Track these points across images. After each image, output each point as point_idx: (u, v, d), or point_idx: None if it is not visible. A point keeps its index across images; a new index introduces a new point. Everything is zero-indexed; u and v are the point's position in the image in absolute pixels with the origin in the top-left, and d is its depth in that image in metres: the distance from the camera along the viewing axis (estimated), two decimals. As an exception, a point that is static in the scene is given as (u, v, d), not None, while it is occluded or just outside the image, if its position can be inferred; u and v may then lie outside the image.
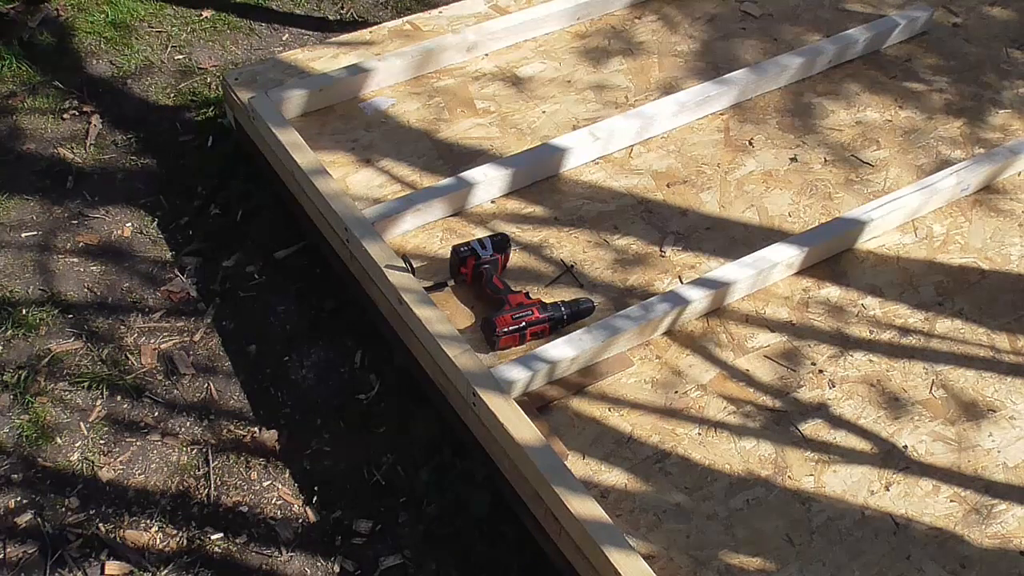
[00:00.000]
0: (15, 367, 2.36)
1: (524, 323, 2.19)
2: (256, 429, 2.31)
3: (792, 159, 2.72)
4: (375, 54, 2.86)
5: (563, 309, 2.24)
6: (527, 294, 2.28)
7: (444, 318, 2.17)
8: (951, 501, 2.05)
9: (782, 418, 2.16)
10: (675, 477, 2.04)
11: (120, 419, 2.31)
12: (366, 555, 2.13)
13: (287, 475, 2.25)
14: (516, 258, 2.42)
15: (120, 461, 2.24)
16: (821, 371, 2.25)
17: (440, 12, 3.05)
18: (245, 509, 2.18)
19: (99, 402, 2.33)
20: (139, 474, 2.22)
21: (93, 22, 3.24)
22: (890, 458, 2.11)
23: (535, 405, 2.11)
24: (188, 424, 2.32)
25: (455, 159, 2.64)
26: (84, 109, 2.97)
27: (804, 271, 2.45)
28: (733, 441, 2.11)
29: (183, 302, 2.54)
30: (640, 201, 2.58)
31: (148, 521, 2.15)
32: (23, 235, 2.65)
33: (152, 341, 2.45)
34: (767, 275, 2.37)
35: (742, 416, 2.16)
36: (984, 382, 2.27)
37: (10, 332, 2.43)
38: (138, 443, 2.27)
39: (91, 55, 3.14)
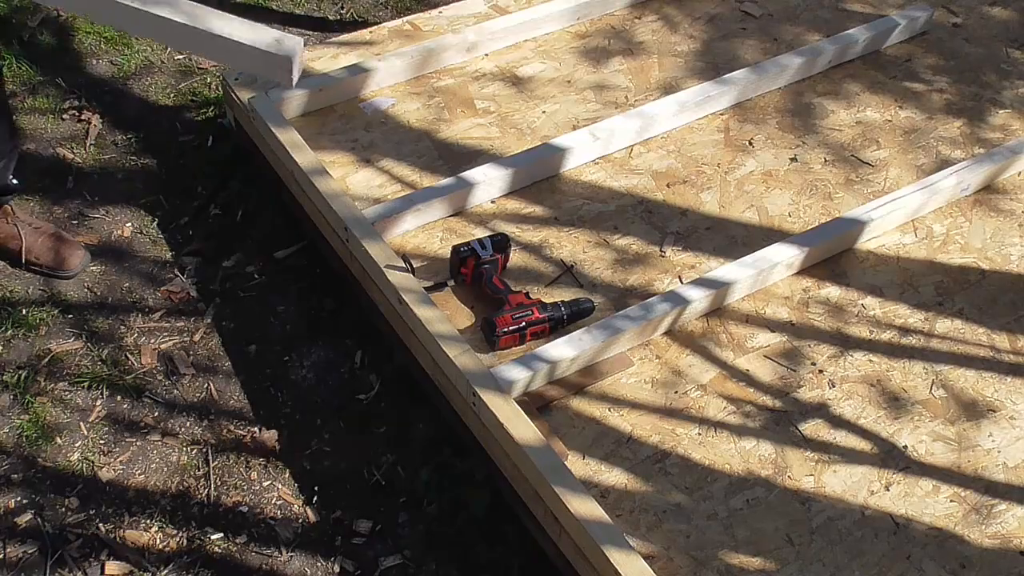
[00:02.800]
0: (15, 367, 2.36)
1: (524, 323, 2.19)
2: (256, 429, 2.31)
3: (792, 159, 2.72)
4: (375, 54, 2.87)
5: (563, 309, 2.24)
6: (527, 294, 2.28)
7: (444, 318, 2.17)
8: (951, 501, 2.05)
9: (782, 418, 2.16)
10: (675, 477, 2.05)
11: (120, 419, 2.31)
12: (366, 555, 2.13)
13: (287, 475, 2.25)
14: (516, 258, 2.42)
15: (120, 461, 2.24)
16: (821, 371, 2.25)
17: (440, 12, 3.05)
18: (245, 509, 2.18)
19: (99, 402, 2.33)
20: (139, 474, 2.22)
21: (93, 22, 3.25)
22: (890, 458, 2.11)
23: (535, 405, 2.11)
24: (188, 424, 2.32)
25: (455, 159, 2.64)
26: (84, 109, 2.97)
27: (804, 271, 2.45)
28: (733, 441, 2.11)
29: (183, 302, 2.54)
30: (640, 201, 2.58)
31: (148, 521, 2.15)
32: (23, 235, 2.65)
33: (152, 341, 2.45)
34: (767, 275, 2.37)
35: (742, 416, 2.16)
36: (984, 382, 2.27)
37: (10, 332, 2.43)
38: (138, 443, 2.27)
39: (91, 55, 3.14)
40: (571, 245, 2.47)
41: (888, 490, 2.06)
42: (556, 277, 2.39)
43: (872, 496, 2.05)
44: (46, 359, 2.39)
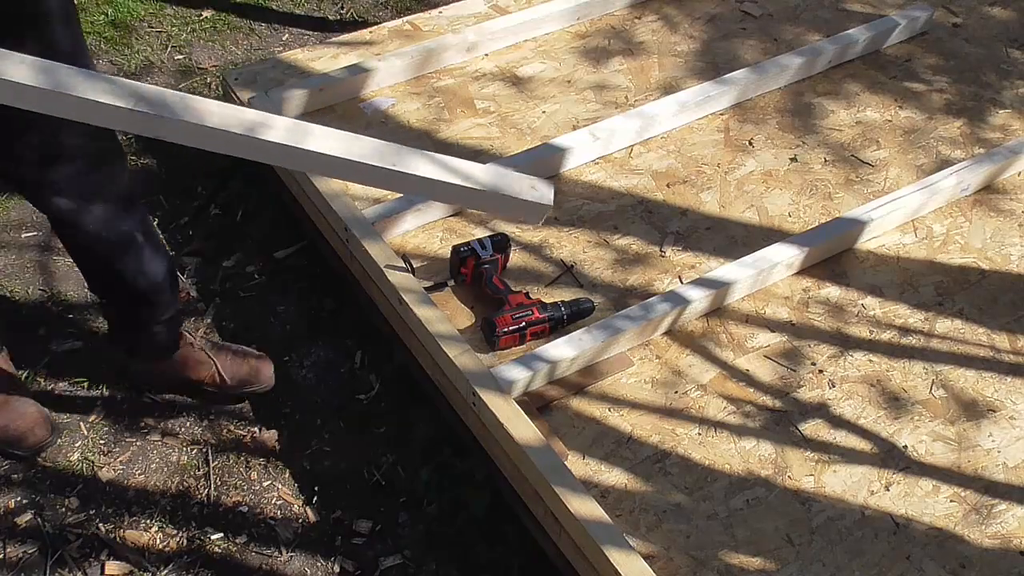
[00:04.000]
0: (15, 367, 2.36)
1: (524, 323, 2.19)
2: (256, 429, 2.31)
3: (792, 159, 2.72)
4: (375, 54, 2.87)
5: (563, 309, 2.24)
6: (527, 294, 2.28)
7: (444, 318, 2.17)
8: (951, 501, 2.05)
9: (782, 418, 2.16)
10: (675, 477, 2.05)
11: (120, 419, 2.31)
12: (366, 555, 2.13)
13: (287, 475, 2.25)
14: (516, 258, 2.42)
15: (120, 461, 2.24)
16: (821, 371, 2.25)
17: (440, 12, 3.05)
18: (245, 509, 2.18)
19: (99, 402, 2.33)
20: (139, 474, 2.22)
21: (93, 22, 3.25)
22: (890, 458, 2.11)
23: (535, 405, 2.11)
24: (188, 424, 2.32)
25: (455, 159, 2.64)
26: (84, 109, 2.97)
27: (804, 271, 2.45)
28: (733, 441, 2.11)
29: (183, 302, 2.53)
30: (640, 201, 2.58)
31: (148, 521, 2.15)
32: (23, 235, 2.65)
33: (152, 341, 2.45)
34: (767, 275, 2.37)
35: (742, 416, 2.16)
36: (984, 382, 2.27)
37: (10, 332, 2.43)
38: (138, 443, 2.27)
39: (91, 55, 3.13)
40: (571, 245, 2.47)
41: (888, 490, 2.06)
42: (556, 277, 2.39)
43: (872, 496, 2.05)
44: (46, 359, 2.39)
